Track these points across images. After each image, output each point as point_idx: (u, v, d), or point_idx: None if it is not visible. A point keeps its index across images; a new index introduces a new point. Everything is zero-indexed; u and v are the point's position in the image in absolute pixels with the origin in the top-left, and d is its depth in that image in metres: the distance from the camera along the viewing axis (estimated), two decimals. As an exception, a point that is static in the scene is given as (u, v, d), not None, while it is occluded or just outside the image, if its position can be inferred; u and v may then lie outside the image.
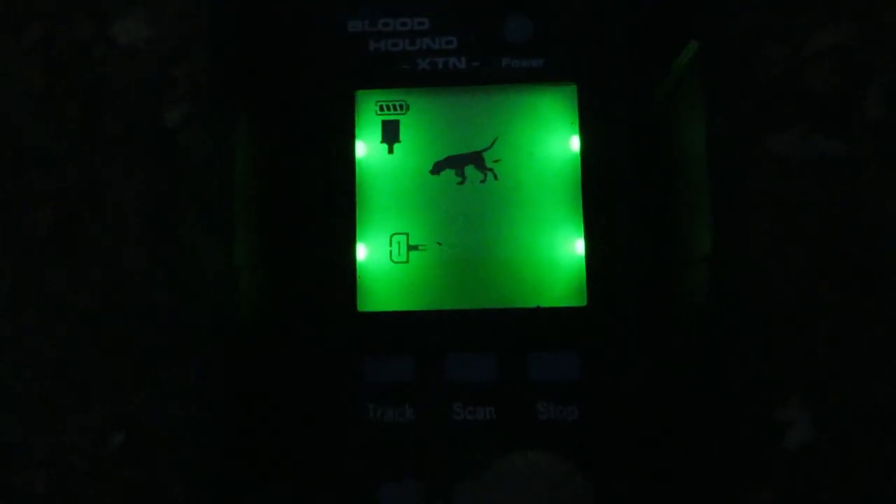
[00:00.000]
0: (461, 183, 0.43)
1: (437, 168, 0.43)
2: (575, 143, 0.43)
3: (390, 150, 0.44)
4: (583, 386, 0.41)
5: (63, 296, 0.47)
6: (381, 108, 0.44)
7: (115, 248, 0.47)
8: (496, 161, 0.43)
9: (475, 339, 0.42)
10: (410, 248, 0.43)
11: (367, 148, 0.44)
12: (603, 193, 0.43)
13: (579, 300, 0.42)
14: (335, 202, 0.43)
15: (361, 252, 0.43)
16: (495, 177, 0.43)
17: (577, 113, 0.43)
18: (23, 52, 0.49)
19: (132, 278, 0.47)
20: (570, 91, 0.44)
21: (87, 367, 0.46)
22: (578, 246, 0.43)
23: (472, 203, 0.43)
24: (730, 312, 0.34)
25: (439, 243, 0.43)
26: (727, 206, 0.35)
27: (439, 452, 0.41)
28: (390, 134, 0.44)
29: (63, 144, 0.48)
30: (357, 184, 0.44)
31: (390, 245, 0.43)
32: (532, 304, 0.42)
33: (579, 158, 0.43)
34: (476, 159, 0.43)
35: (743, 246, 0.35)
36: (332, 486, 0.41)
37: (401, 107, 0.44)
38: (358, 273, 0.43)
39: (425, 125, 0.44)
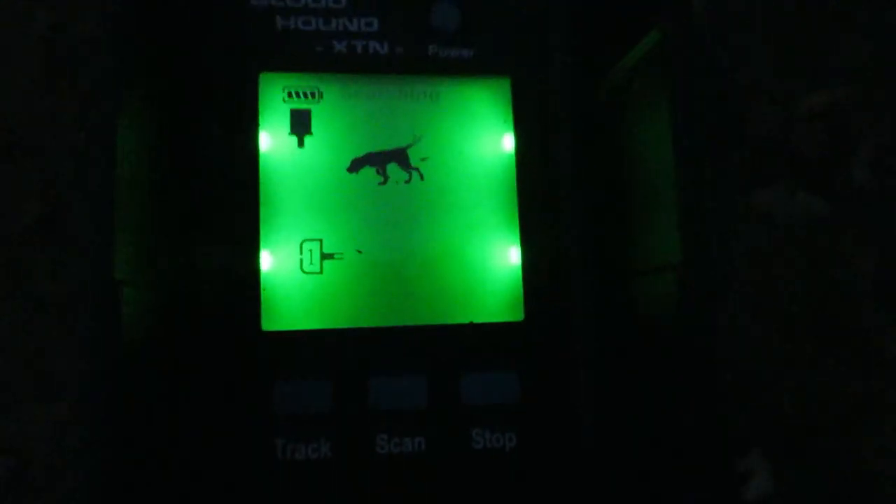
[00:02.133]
0: (382, 183, 0.38)
1: (355, 165, 0.38)
2: (508, 141, 0.39)
3: (300, 143, 0.38)
4: (522, 409, 0.37)
5: (41, 287, 0.41)
6: (290, 95, 0.38)
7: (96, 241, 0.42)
8: (423, 159, 0.38)
9: (401, 360, 0.37)
10: (324, 256, 0.37)
11: (272, 140, 0.38)
12: (540, 197, 0.39)
13: (516, 314, 0.38)
14: (235, 202, 0.37)
15: (266, 261, 0.37)
16: (421, 177, 0.38)
17: (510, 109, 0.39)
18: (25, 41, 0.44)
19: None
20: (503, 85, 0.39)
21: (59, 359, 0.41)
22: (514, 254, 0.38)
23: (394, 206, 0.38)
24: (703, 325, 0.31)
25: (359, 251, 0.37)
26: (697, 208, 0.32)
27: (361, 492, 0.35)
28: (300, 124, 0.38)
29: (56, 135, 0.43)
30: (261, 181, 0.37)
31: (300, 253, 0.37)
32: (464, 320, 0.37)
33: (514, 158, 0.39)
34: (399, 157, 0.38)
35: (712, 251, 0.32)
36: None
37: (313, 94, 0.38)
38: (262, 285, 0.37)
39: (341, 116, 0.38)
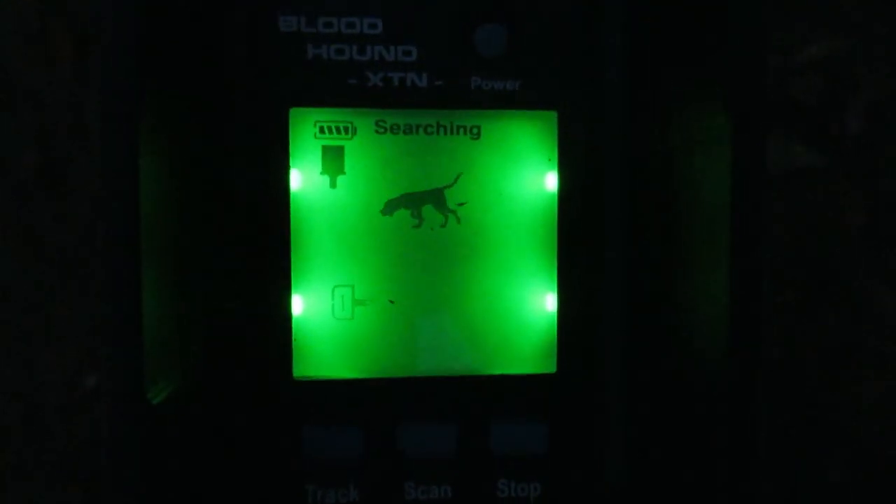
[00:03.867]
0: (417, 226, 0.37)
1: (390, 207, 0.36)
2: (551, 180, 0.37)
3: (332, 184, 0.36)
4: (548, 461, 0.37)
5: (44, 235, 0.41)
6: (322, 131, 0.36)
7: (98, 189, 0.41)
8: (460, 204, 0.37)
9: (431, 410, 0.37)
10: (356, 302, 0.37)
11: (304, 179, 0.36)
12: (581, 241, 0.37)
13: (548, 366, 0.37)
14: (265, 245, 0.36)
15: (298, 306, 0.36)
16: (458, 219, 0.37)
17: (555, 145, 0.37)
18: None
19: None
20: (549, 119, 0.37)
21: (65, 307, 0.41)
22: (550, 301, 0.37)
23: (429, 250, 0.37)
24: (743, 403, 0.31)
25: (391, 301, 0.37)
26: (752, 296, 0.30)
27: (388, 537, 0.37)
28: (333, 163, 0.36)
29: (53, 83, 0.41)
30: (292, 223, 0.36)
31: (332, 298, 0.37)
32: (496, 371, 0.37)
33: (556, 199, 0.37)
34: (436, 198, 0.37)
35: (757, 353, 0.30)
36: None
37: (346, 129, 0.36)
38: (294, 331, 0.36)
39: (375, 153, 0.36)
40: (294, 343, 0.36)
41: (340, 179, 0.36)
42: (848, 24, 0.43)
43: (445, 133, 0.36)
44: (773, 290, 0.43)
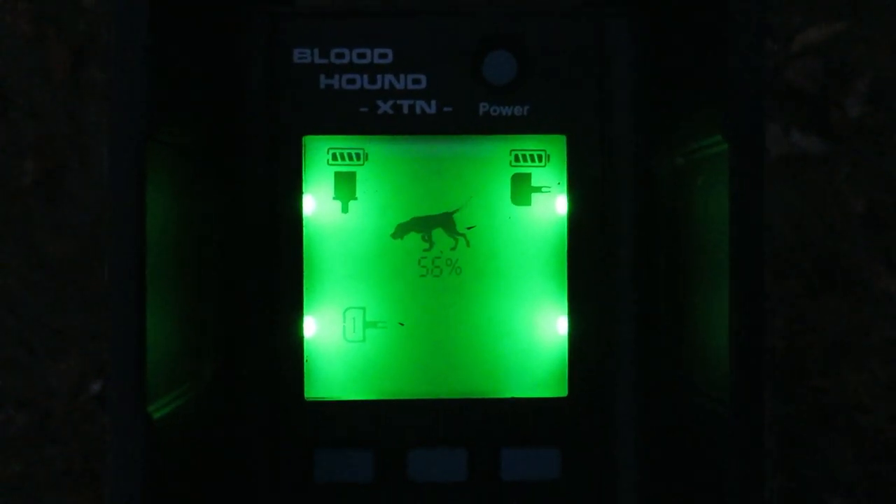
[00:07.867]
0: (428, 249, 0.37)
1: (400, 231, 0.37)
2: (561, 204, 0.37)
3: (345, 208, 0.37)
4: (561, 486, 0.37)
5: (45, 245, 0.43)
6: (335, 157, 0.37)
7: (97, 198, 0.43)
8: (469, 228, 0.37)
9: (441, 433, 0.37)
10: (368, 324, 0.37)
11: (316, 204, 0.37)
12: (592, 264, 0.37)
13: (559, 390, 0.37)
14: (278, 268, 0.37)
15: (310, 328, 0.37)
16: (468, 243, 0.37)
17: (564, 169, 0.37)
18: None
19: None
20: (559, 143, 0.37)
21: (68, 316, 0.42)
22: (561, 325, 0.37)
23: (440, 273, 0.37)
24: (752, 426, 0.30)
25: (401, 324, 0.37)
26: (754, 321, 0.30)
27: (398, 562, 0.36)
28: (345, 188, 0.37)
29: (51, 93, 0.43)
30: (305, 246, 0.37)
31: (344, 321, 0.37)
32: (506, 395, 0.37)
33: (566, 223, 0.37)
34: (445, 222, 0.37)
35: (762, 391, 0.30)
36: None
37: (358, 156, 0.37)
38: (306, 353, 0.37)
39: (386, 179, 0.37)
40: (306, 364, 0.37)
41: (352, 204, 0.37)
42: (847, 7, 0.42)
43: (454, 158, 0.37)
44: (776, 278, 0.42)
